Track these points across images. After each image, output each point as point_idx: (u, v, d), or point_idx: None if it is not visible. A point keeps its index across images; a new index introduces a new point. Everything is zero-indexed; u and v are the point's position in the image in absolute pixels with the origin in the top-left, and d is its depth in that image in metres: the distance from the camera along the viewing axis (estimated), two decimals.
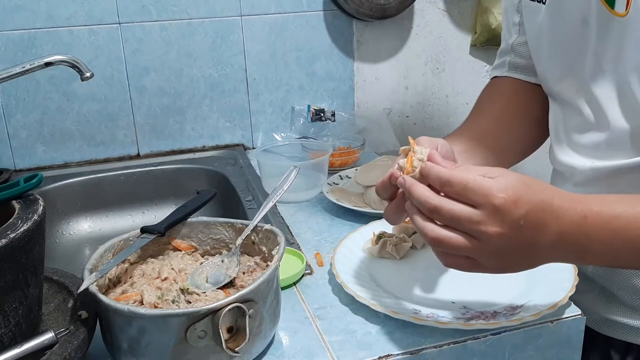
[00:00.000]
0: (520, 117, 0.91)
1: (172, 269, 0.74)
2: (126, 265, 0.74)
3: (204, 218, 0.80)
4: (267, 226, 0.76)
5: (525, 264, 0.62)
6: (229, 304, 0.60)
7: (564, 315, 0.73)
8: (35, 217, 0.60)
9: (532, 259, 0.62)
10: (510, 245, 0.59)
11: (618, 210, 0.59)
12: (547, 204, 0.59)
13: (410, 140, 0.64)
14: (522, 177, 0.60)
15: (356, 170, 1.16)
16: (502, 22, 0.95)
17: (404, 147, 0.66)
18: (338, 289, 0.80)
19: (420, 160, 0.63)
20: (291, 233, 0.98)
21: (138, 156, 1.36)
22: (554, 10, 0.77)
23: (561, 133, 0.82)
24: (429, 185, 0.61)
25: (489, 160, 0.84)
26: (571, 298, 0.74)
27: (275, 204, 0.89)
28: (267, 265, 0.74)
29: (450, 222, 0.59)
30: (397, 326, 0.72)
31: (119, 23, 1.26)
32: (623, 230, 0.59)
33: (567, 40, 0.76)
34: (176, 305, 0.67)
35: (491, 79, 0.98)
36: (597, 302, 0.82)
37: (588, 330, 0.75)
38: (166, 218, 0.78)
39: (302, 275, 0.85)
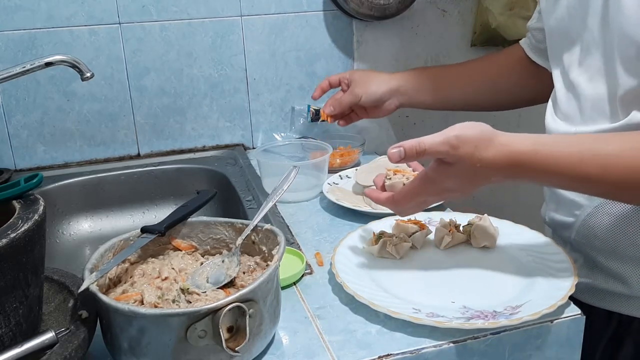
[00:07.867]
0: (495, 80, 1.10)
1: (173, 268, 0.74)
2: (126, 265, 0.75)
3: (204, 218, 0.80)
4: (267, 226, 0.76)
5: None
6: (229, 304, 0.60)
7: (564, 315, 0.73)
8: (36, 217, 0.61)
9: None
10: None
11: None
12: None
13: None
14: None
15: (356, 170, 1.16)
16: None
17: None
18: (338, 289, 0.80)
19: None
20: (291, 233, 0.99)
21: (138, 156, 1.36)
22: None
23: (556, 101, 0.89)
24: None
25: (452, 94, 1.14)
26: None
27: (275, 204, 0.89)
28: (267, 265, 0.74)
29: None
30: (397, 326, 0.72)
31: (119, 23, 1.26)
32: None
33: (567, 17, 0.84)
34: (176, 305, 0.67)
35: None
36: (582, 270, 0.87)
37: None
38: (166, 218, 0.78)
39: (302, 275, 0.85)
